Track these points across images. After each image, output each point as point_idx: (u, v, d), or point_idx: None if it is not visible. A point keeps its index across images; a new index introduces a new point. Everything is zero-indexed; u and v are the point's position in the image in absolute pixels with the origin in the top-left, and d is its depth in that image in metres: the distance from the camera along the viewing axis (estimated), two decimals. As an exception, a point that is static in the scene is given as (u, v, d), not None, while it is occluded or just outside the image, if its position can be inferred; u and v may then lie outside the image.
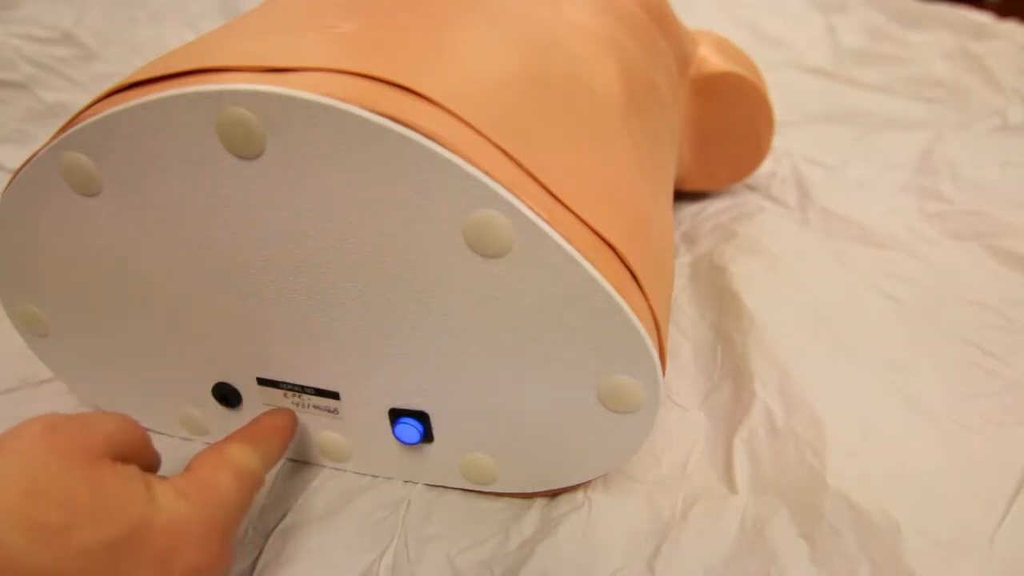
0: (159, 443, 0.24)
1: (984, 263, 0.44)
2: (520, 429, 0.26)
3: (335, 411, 0.28)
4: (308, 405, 0.28)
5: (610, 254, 0.23)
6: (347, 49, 0.22)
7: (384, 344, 0.25)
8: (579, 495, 0.29)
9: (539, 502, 0.29)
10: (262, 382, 0.28)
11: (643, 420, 0.25)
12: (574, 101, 0.27)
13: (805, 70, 0.75)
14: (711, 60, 0.45)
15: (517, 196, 0.20)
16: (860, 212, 0.49)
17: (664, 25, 0.39)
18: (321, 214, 0.22)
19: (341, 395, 0.28)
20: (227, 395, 0.28)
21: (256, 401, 0.29)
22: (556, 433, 0.26)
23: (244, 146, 0.21)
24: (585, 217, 0.22)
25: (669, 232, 0.31)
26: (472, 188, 0.20)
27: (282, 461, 0.31)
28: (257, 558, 0.27)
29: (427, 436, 0.27)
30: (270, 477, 0.30)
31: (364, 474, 0.30)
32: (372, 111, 0.20)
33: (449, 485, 0.30)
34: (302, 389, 0.28)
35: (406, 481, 0.30)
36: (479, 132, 0.21)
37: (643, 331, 0.22)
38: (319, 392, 0.28)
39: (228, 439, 0.25)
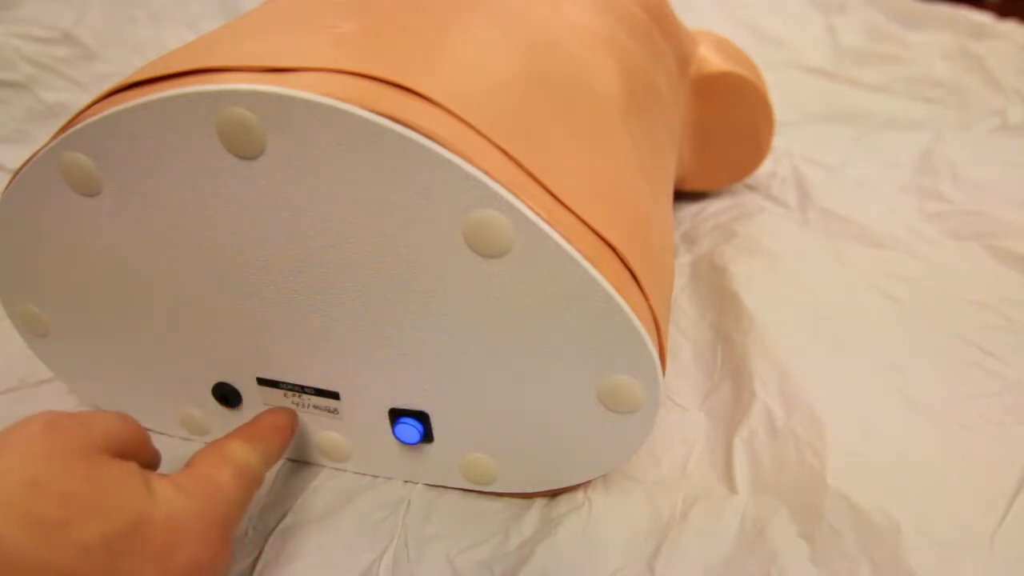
0: (159, 443, 0.25)
1: (984, 263, 0.44)
2: (520, 429, 0.26)
3: (335, 411, 0.28)
4: (308, 405, 0.28)
5: (610, 254, 0.23)
6: (347, 49, 0.22)
7: (384, 344, 0.25)
8: (579, 495, 0.29)
9: (539, 502, 0.29)
10: (262, 382, 0.28)
11: (643, 420, 0.25)
12: (574, 101, 0.27)
13: (805, 70, 0.75)
14: (711, 60, 0.45)
15: (517, 196, 0.20)
16: (860, 212, 0.49)
17: (664, 25, 0.39)
18: (321, 214, 0.22)
19: (341, 395, 0.28)
20: (227, 395, 0.29)
21: (256, 401, 0.29)
22: (556, 433, 0.26)
23: (244, 146, 0.21)
24: (585, 217, 0.22)
25: (669, 232, 0.31)
26: (472, 188, 0.20)
27: (282, 461, 0.31)
28: (257, 558, 0.27)
29: (427, 436, 0.27)
30: (270, 477, 0.30)
31: (364, 474, 0.30)
32: (372, 111, 0.20)
33: (449, 485, 0.30)
34: (302, 389, 0.28)
35: (406, 481, 0.30)
36: (479, 132, 0.21)
37: (643, 331, 0.22)
38: (319, 392, 0.28)
39: (228, 436, 0.25)
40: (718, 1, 0.84)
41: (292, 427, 0.28)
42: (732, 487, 0.29)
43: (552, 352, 0.24)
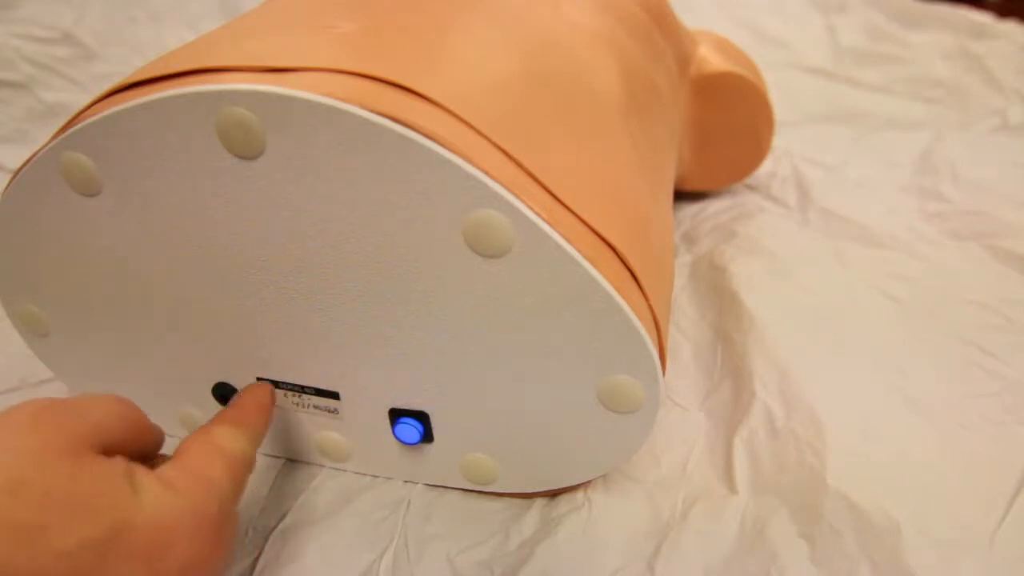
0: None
1: (984, 263, 0.44)
2: (520, 429, 0.26)
3: (335, 411, 0.28)
4: (308, 405, 0.28)
5: (610, 254, 0.23)
6: (347, 49, 0.22)
7: (384, 344, 0.25)
8: (579, 495, 0.29)
9: (539, 502, 0.29)
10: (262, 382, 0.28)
11: (643, 420, 0.25)
12: (574, 101, 0.27)
13: (805, 70, 0.75)
14: (711, 60, 0.45)
15: (517, 196, 0.20)
16: (860, 212, 0.49)
17: (664, 25, 0.39)
18: (321, 214, 0.22)
19: (341, 395, 0.28)
20: (227, 395, 0.28)
21: (256, 401, 0.29)
22: (556, 433, 0.26)
23: (244, 146, 0.21)
24: (585, 217, 0.22)
25: (669, 232, 0.31)
26: (472, 188, 0.20)
27: (282, 461, 0.31)
28: (257, 558, 0.27)
29: (427, 436, 0.27)
30: (270, 477, 0.30)
31: (364, 474, 0.30)
32: (372, 111, 0.20)
33: (449, 485, 0.30)
34: (302, 389, 0.28)
35: (406, 481, 0.30)
36: (479, 132, 0.21)
37: (643, 331, 0.22)
38: (319, 392, 0.28)
39: (215, 423, 0.24)
40: (718, 1, 0.84)
41: (273, 402, 0.27)
42: (732, 487, 0.29)
43: (552, 352, 0.24)
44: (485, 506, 0.29)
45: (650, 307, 0.24)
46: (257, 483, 0.30)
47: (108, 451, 0.20)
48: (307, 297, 0.25)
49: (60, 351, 0.30)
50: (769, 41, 0.79)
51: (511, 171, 0.21)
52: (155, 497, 0.20)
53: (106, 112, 0.22)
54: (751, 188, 0.54)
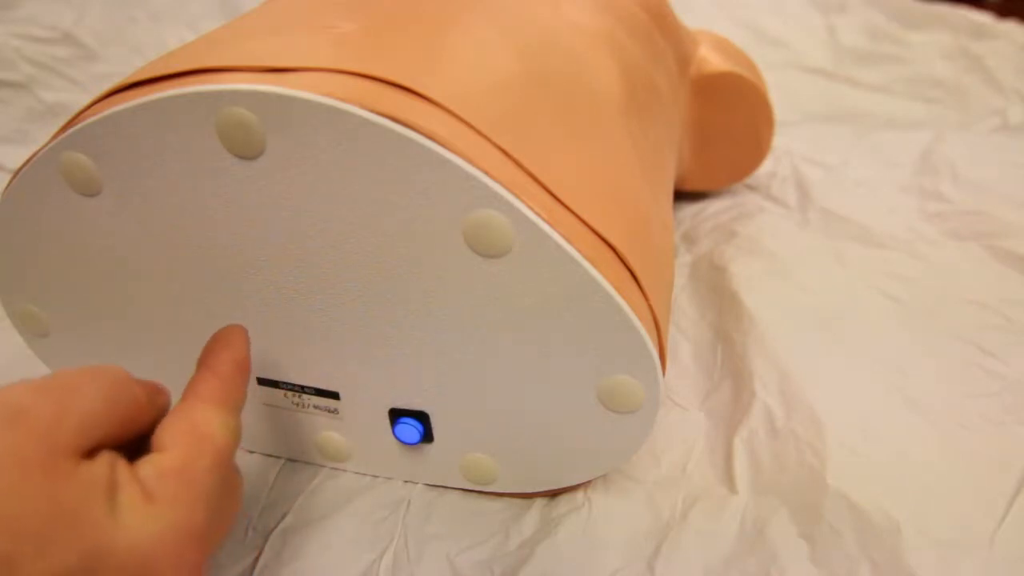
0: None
1: (984, 263, 0.44)
2: (520, 429, 0.26)
3: (335, 411, 0.28)
4: (308, 405, 0.28)
5: (610, 254, 0.23)
6: (347, 49, 0.22)
7: (384, 344, 0.25)
8: (579, 495, 0.29)
9: (539, 502, 0.29)
10: (262, 382, 0.28)
11: (643, 420, 0.25)
12: (574, 101, 0.27)
13: (805, 70, 0.75)
14: (711, 60, 0.45)
15: (517, 196, 0.20)
16: (860, 212, 0.49)
17: (664, 25, 0.39)
18: (321, 214, 0.22)
19: (341, 395, 0.28)
20: (227, 395, 0.28)
21: (256, 401, 0.29)
22: (556, 433, 0.26)
23: (244, 146, 0.21)
24: (585, 217, 0.22)
25: (669, 232, 0.31)
26: (472, 188, 0.20)
27: (282, 461, 0.31)
28: (257, 558, 0.27)
29: (427, 436, 0.27)
30: (270, 477, 0.30)
31: (364, 474, 0.30)
32: (372, 111, 0.20)
33: (449, 485, 0.30)
34: (302, 389, 0.28)
35: (406, 481, 0.30)
36: (479, 132, 0.21)
37: (643, 331, 0.22)
38: (319, 392, 0.28)
39: (195, 400, 0.22)
40: (718, 1, 0.84)
41: (248, 352, 0.24)
42: (732, 487, 0.29)
43: (552, 352, 0.24)
44: (485, 506, 0.29)
45: (650, 307, 0.24)
46: (257, 483, 0.30)
47: (96, 446, 0.18)
48: (307, 297, 0.25)
49: (60, 351, 0.30)
50: (769, 41, 0.79)
51: (511, 171, 0.21)
52: (136, 516, 0.18)
53: (106, 112, 0.22)
54: (751, 188, 0.54)
